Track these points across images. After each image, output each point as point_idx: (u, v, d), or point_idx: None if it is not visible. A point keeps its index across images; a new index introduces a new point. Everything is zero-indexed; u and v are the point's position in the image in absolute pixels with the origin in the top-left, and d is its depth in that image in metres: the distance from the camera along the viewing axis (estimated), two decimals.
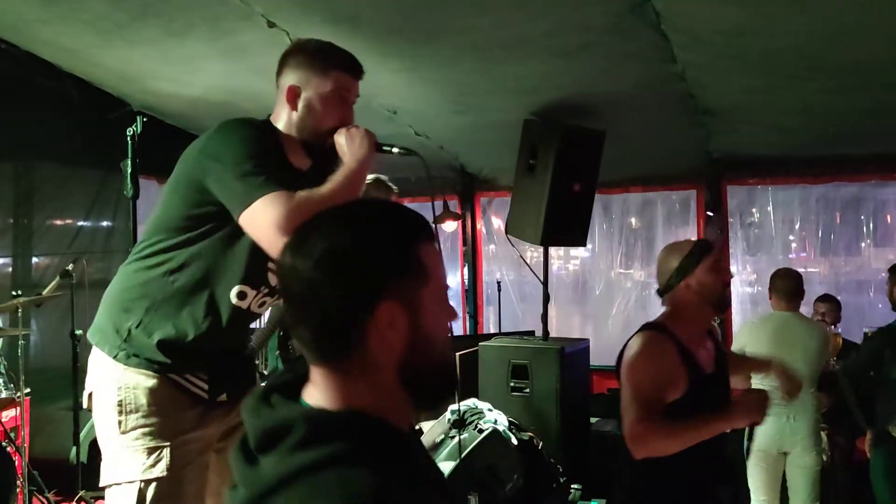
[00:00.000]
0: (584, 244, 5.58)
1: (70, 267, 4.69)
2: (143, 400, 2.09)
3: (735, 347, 4.23)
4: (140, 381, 2.09)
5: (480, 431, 3.96)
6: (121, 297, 2.17)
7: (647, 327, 2.71)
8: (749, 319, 5.33)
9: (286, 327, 2.43)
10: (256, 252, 2.01)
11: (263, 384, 1.15)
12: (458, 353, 4.90)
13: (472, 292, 7.46)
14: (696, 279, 2.65)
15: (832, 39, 3.66)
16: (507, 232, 5.28)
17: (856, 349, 5.04)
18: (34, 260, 5.54)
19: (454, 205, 7.19)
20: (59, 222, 5.74)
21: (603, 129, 4.96)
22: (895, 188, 6.37)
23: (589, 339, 5.28)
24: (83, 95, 5.01)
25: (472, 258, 7.47)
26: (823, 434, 4.35)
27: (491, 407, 4.26)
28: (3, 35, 4.31)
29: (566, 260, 7.87)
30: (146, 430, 2.08)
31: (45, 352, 5.43)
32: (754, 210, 6.67)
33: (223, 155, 1.98)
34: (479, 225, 7.51)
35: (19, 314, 4.44)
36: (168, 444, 2.09)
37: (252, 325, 2.37)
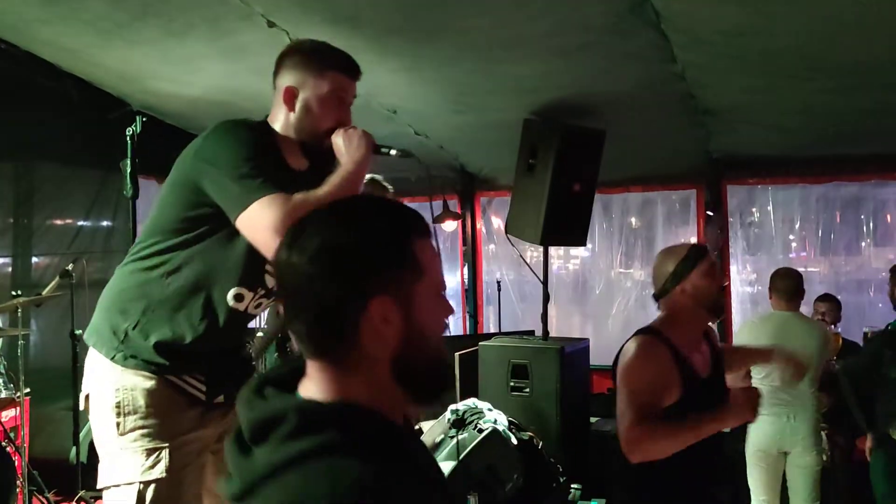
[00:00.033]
0: (583, 244, 5.58)
1: (70, 267, 4.69)
2: (142, 401, 2.08)
3: None
4: (138, 383, 2.09)
5: (480, 431, 3.96)
6: (117, 298, 2.17)
7: (641, 332, 2.71)
8: (749, 319, 5.34)
9: (285, 330, 2.43)
10: (253, 254, 2.00)
11: (257, 377, 1.16)
12: (457, 353, 4.90)
13: (471, 292, 7.46)
14: (692, 284, 2.65)
15: (832, 39, 3.66)
16: (506, 231, 5.28)
17: (856, 349, 5.04)
18: (34, 260, 5.55)
19: (454, 204, 7.19)
20: (59, 222, 5.74)
21: (603, 129, 4.96)
22: (895, 188, 6.38)
23: (589, 339, 5.28)
24: (83, 95, 5.01)
25: (471, 258, 7.47)
26: (823, 434, 4.35)
27: (491, 407, 4.26)
28: (3, 35, 4.31)
29: (566, 259, 7.86)
30: (145, 431, 2.08)
31: (45, 352, 5.44)
32: (754, 210, 6.67)
33: (219, 157, 1.98)
34: (479, 224, 7.51)
35: (19, 314, 4.45)
36: (167, 445, 2.08)
37: (249, 326, 2.36)
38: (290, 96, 2.11)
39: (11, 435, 4.33)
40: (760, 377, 4.23)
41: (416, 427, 4.18)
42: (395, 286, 1.08)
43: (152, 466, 2.07)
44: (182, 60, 4.36)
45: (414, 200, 7.05)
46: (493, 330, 6.94)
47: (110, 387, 2.10)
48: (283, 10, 3.61)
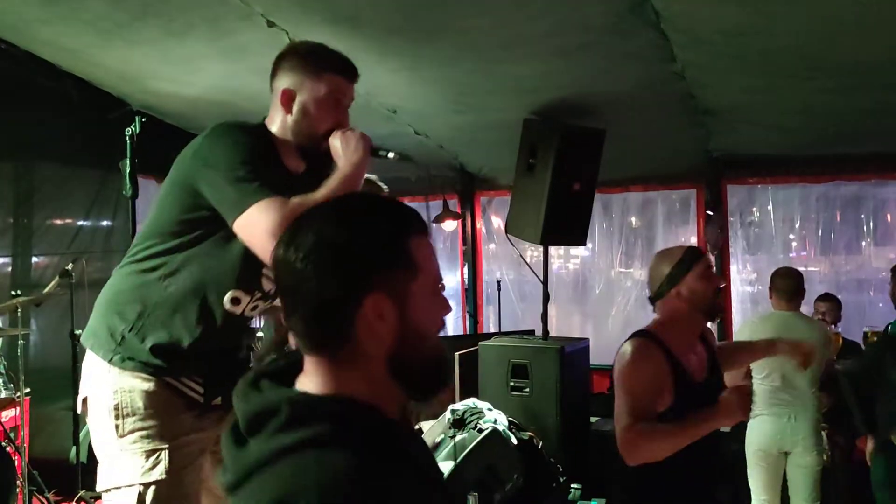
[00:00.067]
0: (583, 243, 5.58)
1: (70, 266, 4.69)
2: (140, 403, 2.08)
3: None
4: (136, 385, 2.09)
5: (480, 431, 3.96)
6: (114, 301, 2.17)
7: (637, 334, 2.72)
8: (749, 319, 5.33)
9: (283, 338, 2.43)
10: (250, 257, 2.00)
11: (254, 370, 1.18)
12: (457, 353, 4.90)
13: (471, 292, 7.46)
14: (687, 286, 2.66)
15: (832, 39, 3.66)
16: (506, 231, 5.28)
17: (856, 348, 5.04)
18: (34, 260, 5.55)
19: (454, 204, 7.19)
20: (58, 222, 5.74)
21: (603, 129, 4.96)
22: (895, 187, 6.37)
23: (589, 339, 5.28)
24: (83, 95, 5.01)
25: (471, 257, 7.47)
26: (823, 434, 4.35)
27: (490, 406, 4.26)
28: (3, 35, 4.30)
29: (566, 259, 7.86)
30: (144, 433, 2.08)
31: (45, 352, 5.44)
32: (754, 209, 6.67)
33: (216, 160, 1.97)
34: (479, 224, 7.51)
35: (19, 314, 4.45)
36: (166, 446, 2.08)
37: (246, 329, 2.35)
38: (288, 99, 2.11)
39: (11, 435, 4.33)
40: (761, 377, 4.23)
41: (417, 427, 4.19)
42: (390, 283, 1.09)
43: (152, 468, 2.07)
44: (182, 60, 4.36)
45: (414, 200, 7.07)
46: (492, 330, 6.94)
47: (108, 389, 2.10)
48: (282, 10, 3.61)
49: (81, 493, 4.58)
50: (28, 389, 4.53)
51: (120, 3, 3.70)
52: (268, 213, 1.85)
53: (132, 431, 2.08)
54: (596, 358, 5.23)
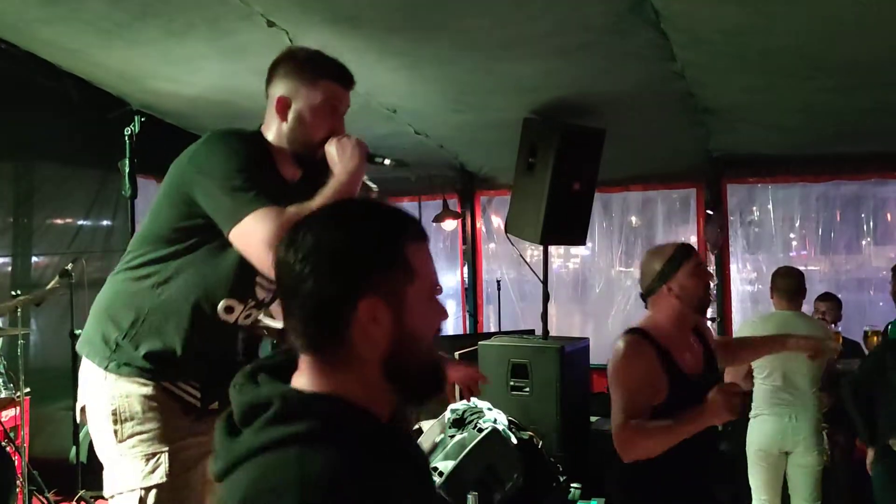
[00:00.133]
0: (583, 243, 5.58)
1: (69, 266, 4.69)
2: (138, 407, 2.08)
3: None
4: (133, 389, 2.08)
5: (480, 431, 3.96)
6: (108, 308, 2.17)
7: (629, 331, 2.75)
8: (750, 318, 5.34)
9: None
10: (244, 266, 2.00)
11: (253, 363, 1.20)
12: (457, 353, 4.90)
13: (471, 291, 7.46)
14: (678, 283, 2.69)
15: (832, 39, 3.66)
16: (506, 230, 5.27)
17: (856, 348, 5.04)
18: (34, 259, 5.55)
19: (454, 203, 7.19)
20: (58, 222, 5.75)
21: (603, 128, 4.96)
22: (895, 186, 6.37)
23: (589, 338, 5.28)
24: (83, 95, 5.00)
25: (471, 257, 7.47)
26: (824, 433, 4.35)
27: (490, 406, 4.25)
28: (3, 35, 4.30)
29: (566, 258, 7.87)
30: (143, 436, 2.08)
31: (45, 351, 5.44)
32: (754, 208, 6.67)
33: (212, 169, 1.97)
34: (479, 223, 7.51)
35: (19, 314, 4.45)
36: (166, 449, 2.08)
37: (240, 336, 2.35)
38: (283, 106, 2.10)
39: (11, 435, 4.33)
40: (762, 377, 4.24)
41: (416, 427, 4.18)
42: (385, 288, 1.10)
43: (152, 471, 2.07)
44: (182, 60, 4.35)
45: (415, 200, 7.08)
46: (492, 329, 6.94)
47: (106, 396, 2.09)
48: (282, 10, 3.61)
49: (81, 492, 4.58)
50: (28, 389, 4.53)
51: (120, 3, 3.69)
52: (264, 222, 1.84)
53: (131, 436, 2.07)
54: (596, 357, 5.22)
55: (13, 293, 4.53)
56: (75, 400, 4.31)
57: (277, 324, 2.56)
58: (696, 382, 2.66)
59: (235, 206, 1.89)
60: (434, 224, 7.09)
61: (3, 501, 4.03)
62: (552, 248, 5.93)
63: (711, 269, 6.40)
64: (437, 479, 3.71)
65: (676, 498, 2.64)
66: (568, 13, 3.55)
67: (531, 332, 5.80)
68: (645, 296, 2.79)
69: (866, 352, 4.89)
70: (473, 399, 4.30)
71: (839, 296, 5.30)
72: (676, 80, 4.28)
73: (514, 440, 4.07)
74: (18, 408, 4.42)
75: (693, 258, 2.73)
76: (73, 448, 4.76)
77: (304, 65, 2.12)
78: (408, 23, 3.74)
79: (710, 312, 6.28)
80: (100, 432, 2.13)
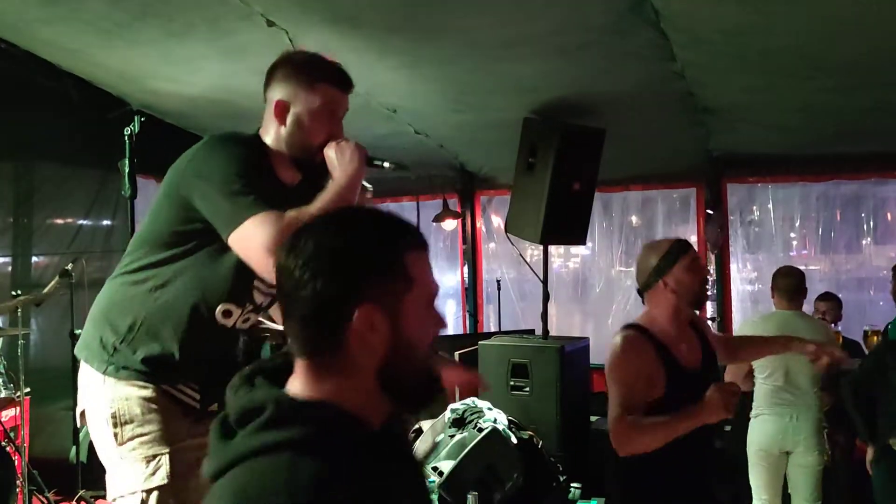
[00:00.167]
0: (583, 242, 5.58)
1: (70, 266, 4.69)
2: (137, 410, 2.08)
3: None
4: (132, 392, 2.08)
5: (480, 430, 3.96)
6: (106, 312, 2.16)
7: (626, 327, 2.78)
8: (750, 318, 5.34)
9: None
10: (242, 270, 2.00)
11: (252, 365, 1.20)
12: (457, 352, 4.91)
13: (471, 291, 7.46)
14: (674, 278, 2.71)
15: (832, 38, 3.66)
16: (506, 230, 5.28)
17: (856, 347, 5.03)
18: (34, 259, 5.55)
19: (454, 203, 7.20)
20: (58, 222, 5.75)
21: (603, 128, 4.96)
22: (895, 186, 6.37)
23: (589, 338, 5.28)
24: (83, 95, 5.00)
25: (471, 256, 7.47)
26: (824, 433, 4.35)
27: (490, 406, 4.26)
28: (3, 35, 4.30)
29: (566, 258, 7.87)
30: (143, 439, 2.07)
31: (45, 351, 5.44)
32: (754, 208, 6.67)
33: (211, 173, 1.96)
34: (479, 223, 7.51)
35: (19, 314, 4.45)
36: (166, 450, 2.08)
37: (239, 340, 2.34)
38: (282, 110, 2.09)
39: (11, 434, 4.33)
40: (763, 376, 4.23)
41: (416, 426, 4.19)
42: (383, 295, 1.11)
43: (153, 473, 2.06)
44: (182, 60, 4.36)
45: (414, 199, 7.08)
46: (493, 329, 6.94)
47: (105, 399, 2.09)
48: (282, 10, 3.61)
49: (81, 492, 4.58)
50: (28, 389, 4.53)
51: (120, 3, 3.70)
52: (263, 227, 1.83)
53: (131, 438, 2.07)
54: (596, 357, 5.22)
55: (13, 293, 4.53)
56: (75, 400, 4.32)
57: (279, 326, 2.56)
58: (694, 376, 2.69)
59: (234, 210, 1.88)
60: (434, 224, 7.09)
61: (3, 501, 4.03)
62: (552, 248, 5.93)
63: (711, 268, 6.41)
64: (437, 479, 3.72)
65: (676, 497, 2.65)
66: (568, 13, 3.55)
67: (531, 331, 5.80)
68: (641, 291, 2.82)
69: (866, 351, 4.88)
70: (473, 399, 4.30)
71: (839, 295, 5.30)
72: (676, 79, 4.28)
73: (514, 440, 4.08)
74: (18, 408, 4.42)
75: (689, 253, 2.75)
76: (73, 448, 4.76)
77: (302, 68, 2.10)
78: (408, 23, 3.74)
79: (710, 312, 6.29)
80: (100, 436, 2.12)
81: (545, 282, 5.19)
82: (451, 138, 6.09)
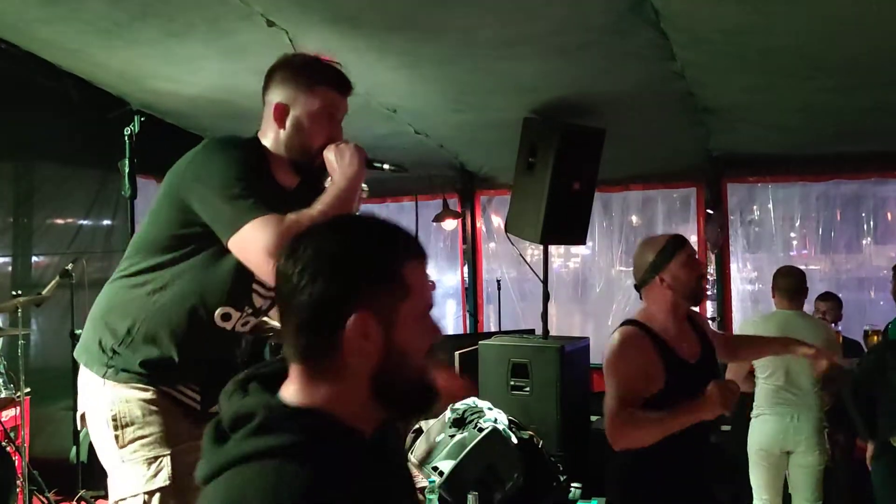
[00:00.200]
0: (583, 242, 5.58)
1: (70, 266, 4.70)
2: (138, 412, 2.07)
3: None
4: (133, 394, 2.08)
5: (480, 430, 3.96)
6: (105, 315, 2.16)
7: (624, 323, 2.79)
8: (751, 318, 5.33)
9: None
10: (241, 273, 2.00)
11: (247, 371, 1.21)
12: (458, 352, 4.91)
13: (472, 290, 7.46)
14: (670, 274, 2.72)
15: (832, 38, 3.66)
16: (506, 230, 5.28)
17: (857, 347, 5.03)
18: (34, 259, 5.55)
19: (454, 203, 7.20)
20: (59, 222, 5.75)
21: (603, 128, 4.96)
22: (895, 185, 6.37)
23: (589, 338, 5.28)
24: (83, 95, 5.00)
25: (471, 256, 7.47)
26: (825, 433, 4.35)
27: (491, 405, 4.26)
28: (3, 35, 4.30)
29: (566, 258, 7.87)
30: (144, 441, 2.07)
31: (45, 351, 5.44)
32: (755, 208, 6.67)
33: (210, 177, 1.95)
34: (479, 223, 7.51)
35: (19, 314, 4.45)
36: (168, 452, 2.07)
37: (239, 342, 2.34)
38: (281, 114, 2.08)
39: (12, 435, 4.33)
40: (764, 376, 4.23)
41: (417, 426, 4.19)
42: (378, 303, 1.11)
43: (154, 475, 2.06)
44: (182, 60, 4.36)
45: (415, 199, 7.08)
46: (493, 329, 6.94)
47: (105, 402, 2.09)
48: (282, 10, 3.61)
49: (82, 492, 4.59)
50: (28, 389, 4.53)
51: (120, 3, 3.70)
52: (264, 230, 1.83)
53: (132, 441, 2.07)
54: (596, 357, 5.21)
55: (13, 293, 4.53)
56: (75, 400, 4.32)
57: None
58: (694, 370, 2.70)
59: (234, 214, 1.88)
60: (434, 224, 7.09)
61: (4, 501, 4.03)
62: (552, 248, 5.93)
63: (712, 268, 6.41)
64: (437, 479, 3.72)
65: (674, 494, 2.66)
66: (568, 13, 3.55)
67: (531, 331, 5.80)
68: (638, 287, 2.84)
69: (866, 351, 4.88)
70: (474, 399, 4.30)
71: (839, 295, 5.30)
72: (676, 79, 4.28)
73: (515, 440, 4.08)
74: (19, 408, 4.42)
75: (685, 249, 2.76)
76: (74, 448, 4.77)
77: (301, 71, 2.10)
78: (408, 22, 3.74)
79: (710, 311, 6.29)
80: (101, 438, 2.12)
81: (545, 282, 5.19)
82: (451, 138, 6.09)
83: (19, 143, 5.09)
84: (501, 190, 7.06)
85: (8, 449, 4.18)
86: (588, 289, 7.38)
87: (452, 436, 3.96)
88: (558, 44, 3.90)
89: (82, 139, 5.40)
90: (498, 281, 7.07)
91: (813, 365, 3.21)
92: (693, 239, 6.55)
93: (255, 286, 2.13)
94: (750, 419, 4.33)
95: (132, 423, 2.07)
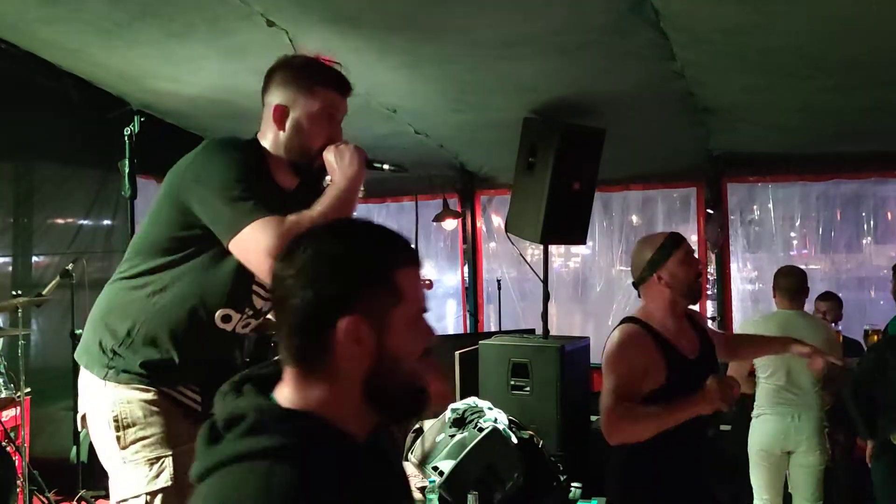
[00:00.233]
0: (583, 242, 5.58)
1: (70, 266, 4.70)
2: (139, 413, 2.07)
3: None
4: (134, 396, 2.08)
5: (480, 430, 3.96)
6: (105, 316, 2.16)
7: (625, 321, 2.81)
8: (752, 317, 5.34)
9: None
10: (241, 275, 2.01)
11: (243, 373, 1.23)
12: (458, 352, 4.91)
13: (472, 290, 7.47)
14: (668, 271, 2.74)
15: (832, 38, 3.66)
16: (506, 230, 5.27)
17: (857, 347, 5.03)
18: (34, 259, 5.54)
19: (454, 203, 7.20)
20: (59, 222, 5.74)
21: (603, 128, 4.96)
22: (895, 185, 6.37)
23: (589, 338, 5.28)
24: (83, 95, 5.00)
25: (472, 256, 7.47)
26: (825, 432, 4.35)
27: (491, 405, 4.26)
28: (3, 35, 4.30)
29: (567, 258, 7.87)
30: (145, 441, 2.07)
31: (46, 351, 5.44)
32: (755, 207, 6.67)
33: (210, 179, 1.96)
34: (480, 223, 7.51)
35: (19, 314, 4.45)
36: (170, 452, 2.07)
37: (240, 343, 2.34)
38: (281, 115, 2.08)
39: (12, 434, 4.34)
40: (765, 376, 4.23)
41: (417, 426, 4.19)
42: (370, 308, 1.13)
43: (156, 476, 2.06)
44: (182, 60, 4.36)
45: (415, 199, 7.07)
46: (493, 328, 6.94)
47: (106, 403, 2.09)
48: (282, 10, 3.61)
49: (82, 492, 4.59)
50: (28, 389, 4.53)
51: (120, 3, 3.69)
52: (264, 232, 1.83)
53: (134, 441, 2.07)
54: (596, 356, 5.17)
55: (13, 293, 4.53)
56: (76, 400, 4.32)
57: None
58: (694, 365, 2.72)
59: (235, 216, 1.88)
60: (434, 223, 7.09)
61: (4, 501, 4.03)
62: (552, 248, 5.93)
63: (712, 268, 6.41)
64: (437, 479, 3.72)
65: (673, 493, 2.66)
66: (568, 13, 3.55)
67: (531, 331, 5.79)
68: (637, 285, 2.85)
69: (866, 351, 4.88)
70: (474, 398, 4.31)
71: (840, 295, 5.30)
72: (676, 79, 4.28)
73: (515, 439, 4.08)
74: (19, 408, 4.42)
75: (682, 247, 2.77)
76: (74, 448, 4.77)
77: (300, 73, 2.09)
78: (408, 22, 3.74)
79: (710, 311, 6.29)
80: (102, 440, 2.12)
81: (545, 281, 5.19)
82: (451, 138, 6.09)
83: (19, 143, 5.09)
84: (501, 190, 7.06)
85: (8, 449, 4.18)
86: (588, 288, 7.38)
87: (452, 435, 3.96)
88: (558, 44, 3.89)
89: (82, 139, 5.40)
90: (498, 281, 7.07)
91: (809, 364, 3.20)
92: (693, 239, 6.55)
93: (255, 288, 2.13)
94: (750, 419, 4.32)
95: (134, 424, 2.07)
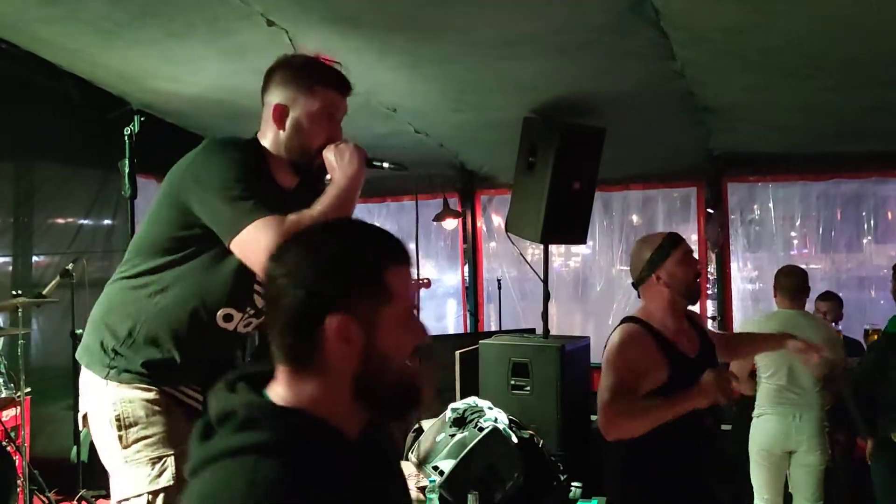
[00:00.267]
0: (584, 242, 5.57)
1: (70, 266, 4.70)
2: (141, 412, 2.08)
3: None
4: (136, 395, 2.09)
5: (480, 430, 3.96)
6: (106, 317, 2.17)
7: (625, 320, 2.83)
8: (752, 317, 5.34)
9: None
10: (242, 274, 2.01)
11: (236, 371, 1.24)
12: (458, 351, 4.90)
13: (472, 290, 7.47)
14: (667, 271, 2.75)
15: (832, 37, 3.66)
16: (507, 230, 5.27)
17: (857, 346, 5.03)
18: (34, 259, 5.54)
19: (454, 202, 7.20)
20: (59, 221, 5.74)
21: (603, 127, 4.95)
22: (895, 185, 6.37)
23: (590, 337, 5.27)
24: (83, 95, 5.00)
25: (472, 256, 7.47)
26: (825, 432, 4.35)
27: (491, 405, 4.25)
28: (3, 35, 4.30)
29: (567, 257, 7.86)
30: (147, 441, 2.07)
31: (46, 351, 5.43)
32: (755, 207, 6.67)
33: (210, 178, 1.96)
34: (480, 222, 7.51)
35: (19, 314, 4.45)
36: (172, 452, 2.07)
37: (241, 343, 2.34)
38: (280, 115, 2.08)
39: (12, 434, 4.34)
40: (766, 375, 4.23)
41: (417, 426, 4.19)
42: (360, 307, 1.14)
43: (158, 475, 2.06)
44: (182, 60, 4.36)
45: (415, 199, 7.08)
46: (493, 328, 6.94)
47: (108, 402, 2.09)
48: (282, 10, 3.61)
49: (82, 492, 4.59)
50: (29, 389, 4.54)
51: (120, 3, 3.69)
52: (265, 231, 1.84)
53: (136, 441, 2.07)
54: (597, 356, 5.15)
55: (13, 293, 4.53)
56: (76, 400, 4.32)
57: None
58: (695, 363, 2.73)
59: (235, 216, 1.89)
60: (434, 223, 7.09)
61: (4, 501, 4.04)
62: (553, 247, 5.93)
63: (712, 268, 6.41)
64: (437, 478, 3.72)
65: (672, 489, 2.67)
66: (568, 13, 3.54)
67: (532, 330, 5.79)
68: (636, 285, 2.86)
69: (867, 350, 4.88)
70: (474, 398, 4.30)
71: (840, 294, 5.30)
72: (676, 79, 4.28)
73: (515, 439, 4.07)
74: (19, 407, 4.43)
75: (681, 247, 2.79)
76: (74, 447, 4.77)
77: (300, 72, 2.10)
78: (408, 22, 3.74)
79: (710, 311, 6.29)
80: (104, 439, 2.12)
81: (546, 281, 5.19)
82: (451, 137, 6.09)
83: (19, 143, 5.09)
84: (502, 189, 7.06)
85: (8, 449, 4.19)
86: (588, 288, 7.38)
87: (453, 435, 3.95)
88: (558, 43, 3.89)
89: (82, 139, 5.41)
90: (498, 280, 7.07)
91: (804, 360, 3.21)
92: (693, 238, 6.55)
93: (256, 287, 2.13)
94: (751, 419, 4.32)
95: (136, 424, 2.07)
